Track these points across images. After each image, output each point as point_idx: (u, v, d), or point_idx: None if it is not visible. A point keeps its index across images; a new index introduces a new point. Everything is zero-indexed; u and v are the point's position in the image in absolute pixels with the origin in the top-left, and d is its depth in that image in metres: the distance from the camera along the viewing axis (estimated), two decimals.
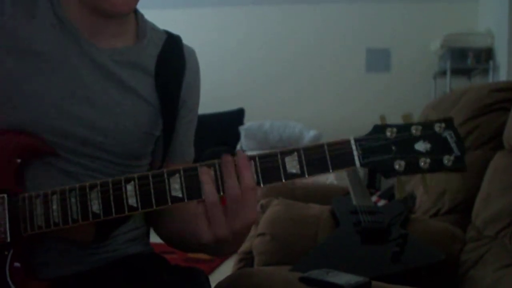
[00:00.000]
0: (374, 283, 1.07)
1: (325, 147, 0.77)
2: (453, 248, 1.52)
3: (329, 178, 3.68)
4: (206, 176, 0.78)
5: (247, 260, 1.76)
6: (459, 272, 1.46)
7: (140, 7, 1.05)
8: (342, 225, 1.58)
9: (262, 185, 0.78)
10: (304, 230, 1.62)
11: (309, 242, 1.57)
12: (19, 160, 0.89)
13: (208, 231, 0.79)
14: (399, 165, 0.76)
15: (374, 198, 2.09)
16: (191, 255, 3.17)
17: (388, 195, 2.12)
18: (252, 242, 1.70)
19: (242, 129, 4.84)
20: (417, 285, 1.17)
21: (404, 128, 0.77)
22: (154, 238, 1.11)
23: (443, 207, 1.72)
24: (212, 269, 3.03)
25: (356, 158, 0.76)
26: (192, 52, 1.07)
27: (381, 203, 2.01)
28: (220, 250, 0.90)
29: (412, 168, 0.76)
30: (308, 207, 1.75)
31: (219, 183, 0.78)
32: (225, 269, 2.84)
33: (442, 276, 1.40)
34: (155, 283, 0.93)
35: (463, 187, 1.68)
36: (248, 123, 4.96)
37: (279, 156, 0.78)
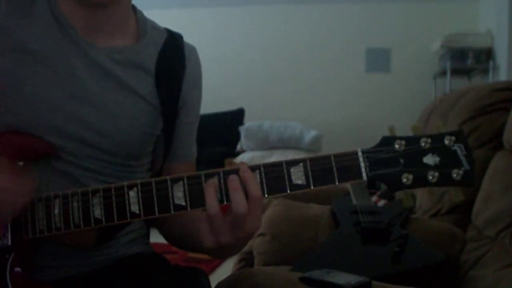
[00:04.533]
0: (374, 283, 1.07)
1: (332, 158, 0.76)
2: (453, 248, 1.52)
3: None
4: (210, 188, 0.77)
5: (247, 260, 1.76)
6: (459, 273, 1.46)
7: (140, 7, 1.05)
8: (342, 225, 1.58)
9: (266, 195, 0.77)
10: (304, 230, 1.62)
11: (309, 242, 1.57)
12: (21, 163, 0.89)
13: (210, 237, 0.79)
14: (406, 178, 0.75)
15: (374, 198, 2.09)
16: (191, 255, 3.17)
17: (388, 195, 2.11)
18: (252, 242, 1.70)
19: (242, 129, 4.83)
20: (417, 285, 1.17)
21: (413, 140, 0.76)
22: (155, 238, 1.11)
23: (443, 207, 1.72)
24: (212, 269, 3.03)
25: (363, 170, 0.76)
26: (193, 50, 1.06)
27: (381, 203, 2.01)
28: (221, 254, 0.90)
29: (420, 182, 0.75)
30: (308, 207, 1.75)
31: (223, 192, 0.77)
32: (225, 269, 2.84)
33: (442, 276, 1.40)
34: (156, 283, 0.92)
35: (462, 188, 1.68)
36: (248, 123, 4.95)
37: (284, 166, 0.77)
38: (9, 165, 0.82)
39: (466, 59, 4.53)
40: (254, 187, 0.76)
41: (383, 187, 2.39)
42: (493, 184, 1.55)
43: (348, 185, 1.90)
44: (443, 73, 4.75)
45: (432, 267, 1.38)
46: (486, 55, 4.49)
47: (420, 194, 1.88)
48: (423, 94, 4.92)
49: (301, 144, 4.70)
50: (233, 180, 0.77)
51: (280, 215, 1.69)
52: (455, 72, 4.64)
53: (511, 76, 4.09)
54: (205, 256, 1.00)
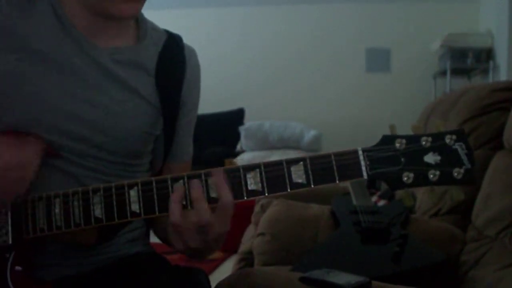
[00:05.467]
0: (374, 283, 1.07)
1: (332, 157, 0.76)
2: (453, 248, 1.52)
3: None
4: (174, 194, 0.78)
5: (248, 260, 1.76)
6: (459, 273, 1.46)
7: None
8: (342, 225, 1.58)
9: (267, 194, 0.77)
10: (304, 230, 1.62)
11: (309, 242, 1.57)
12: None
13: (178, 241, 0.80)
14: (407, 177, 0.75)
15: (374, 198, 2.09)
16: None
17: (388, 195, 2.12)
18: (252, 242, 1.70)
19: (242, 129, 4.83)
20: (417, 285, 1.17)
21: (414, 139, 0.76)
22: (154, 238, 1.11)
23: (443, 207, 1.72)
24: (212, 269, 3.03)
25: (363, 169, 0.76)
26: (192, 51, 1.07)
27: (381, 203, 2.01)
28: (194, 256, 0.91)
29: (421, 181, 0.75)
30: (308, 207, 1.75)
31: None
32: (225, 269, 2.84)
33: (442, 276, 1.40)
34: (156, 283, 0.93)
35: (463, 187, 1.68)
36: (248, 123, 4.95)
37: (284, 165, 0.77)
38: (10, 139, 0.82)
39: (466, 59, 4.53)
40: (225, 192, 0.77)
41: (383, 187, 2.40)
42: (493, 184, 1.55)
43: (348, 185, 1.90)
44: (443, 73, 4.75)
45: (432, 267, 1.38)
46: (486, 55, 4.49)
47: (421, 194, 1.88)
48: (423, 94, 4.92)
49: (301, 144, 4.70)
50: (194, 188, 0.77)
51: (280, 215, 1.69)
52: (455, 72, 4.64)
53: (511, 76, 4.09)
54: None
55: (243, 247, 1.88)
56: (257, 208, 1.91)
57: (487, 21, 4.71)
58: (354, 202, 1.73)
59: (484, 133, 1.71)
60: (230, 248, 3.15)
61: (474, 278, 1.38)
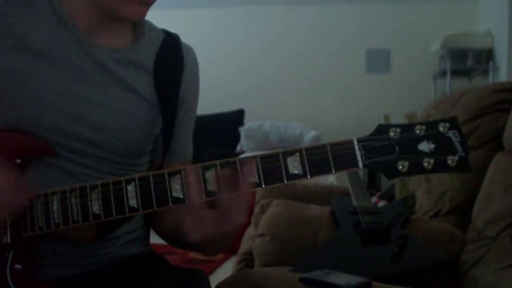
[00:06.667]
0: (374, 283, 1.07)
1: (328, 147, 0.76)
2: (453, 249, 1.52)
3: (329, 179, 3.68)
4: (191, 177, 0.77)
5: (248, 260, 1.76)
6: (459, 273, 1.46)
7: None
8: (342, 226, 1.58)
9: (264, 186, 0.78)
10: (304, 230, 1.62)
11: (309, 243, 1.57)
12: (19, 161, 0.89)
13: (195, 231, 0.80)
14: (402, 165, 0.75)
15: (374, 199, 2.09)
16: (191, 255, 3.17)
17: (388, 195, 2.12)
18: (253, 242, 1.70)
19: (242, 130, 4.83)
20: (417, 286, 1.17)
21: (408, 128, 0.76)
22: (154, 239, 1.11)
23: (443, 208, 1.72)
24: (212, 270, 3.03)
25: (358, 158, 0.76)
26: (190, 50, 1.07)
27: (381, 203, 2.01)
28: (209, 249, 0.91)
29: (416, 169, 0.75)
30: (308, 207, 1.75)
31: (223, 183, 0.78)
32: (225, 270, 2.84)
33: (442, 277, 1.40)
34: (155, 284, 0.93)
35: (463, 187, 1.68)
36: (248, 123, 4.95)
37: (281, 156, 0.77)
38: (5, 164, 0.82)
39: (466, 59, 4.52)
40: (250, 182, 0.77)
41: (383, 187, 2.39)
42: (493, 184, 1.55)
43: (348, 185, 1.90)
44: (443, 74, 4.75)
45: (432, 267, 1.38)
46: (486, 56, 4.49)
47: (420, 194, 1.88)
48: (423, 94, 4.91)
49: (301, 145, 4.65)
50: (190, 172, 0.77)
51: (280, 215, 1.69)
52: (455, 72, 4.63)
53: (511, 76, 4.09)
54: (205, 257, 1.00)
55: (243, 247, 1.88)
56: (257, 209, 1.91)
57: (487, 21, 4.71)
58: (354, 202, 1.73)
59: (484, 134, 1.71)
60: (230, 248, 3.16)
61: (474, 278, 1.38)
